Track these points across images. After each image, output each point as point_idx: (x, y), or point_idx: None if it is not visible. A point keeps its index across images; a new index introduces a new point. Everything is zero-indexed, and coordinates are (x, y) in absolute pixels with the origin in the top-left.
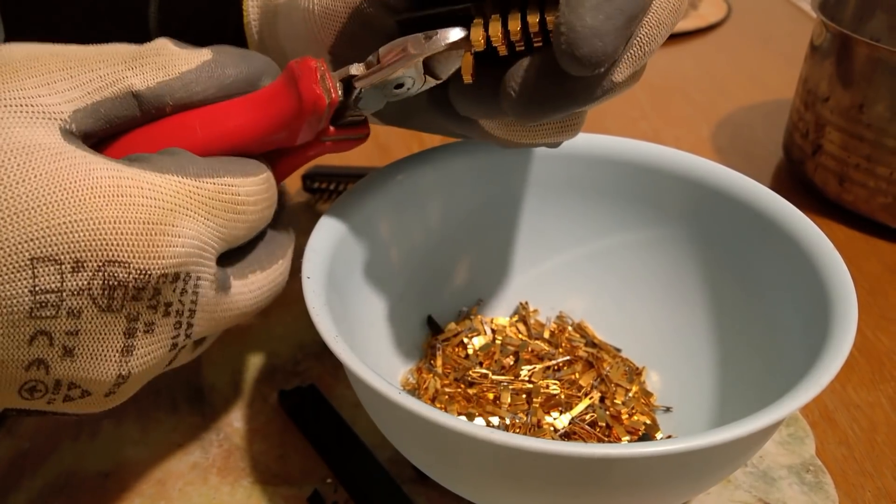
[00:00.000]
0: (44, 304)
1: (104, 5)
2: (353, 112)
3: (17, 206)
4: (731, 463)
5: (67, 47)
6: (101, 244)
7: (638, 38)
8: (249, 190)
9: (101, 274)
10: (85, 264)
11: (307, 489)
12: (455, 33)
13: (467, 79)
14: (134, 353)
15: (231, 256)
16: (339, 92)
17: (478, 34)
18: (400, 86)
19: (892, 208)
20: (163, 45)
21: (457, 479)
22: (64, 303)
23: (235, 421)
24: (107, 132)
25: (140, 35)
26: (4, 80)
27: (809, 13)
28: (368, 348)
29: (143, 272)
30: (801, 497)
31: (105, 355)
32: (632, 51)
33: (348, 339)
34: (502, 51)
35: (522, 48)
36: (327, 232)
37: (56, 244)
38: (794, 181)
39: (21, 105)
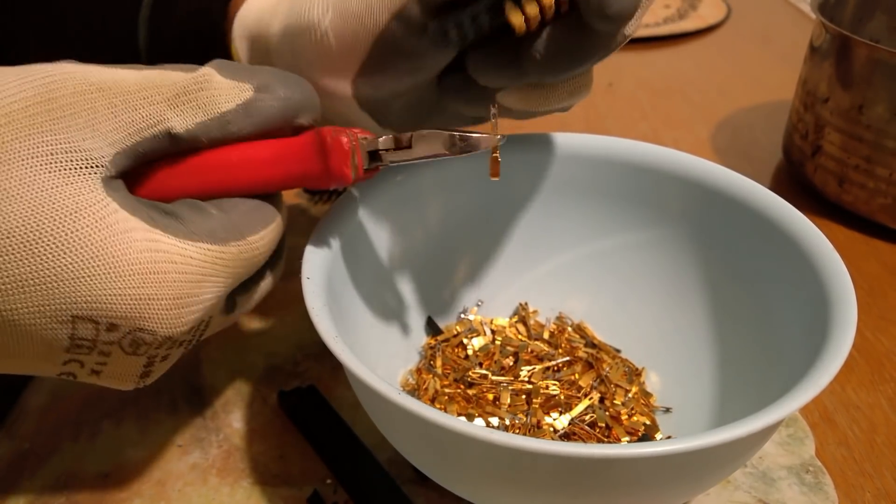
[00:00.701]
0: (80, 346)
1: (96, 39)
2: (370, 167)
3: (64, 273)
4: (730, 463)
5: (113, 75)
6: (134, 316)
7: None
8: (267, 240)
9: (130, 335)
10: (118, 328)
11: (307, 490)
12: (489, 141)
13: (495, 177)
14: (151, 374)
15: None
16: (366, 164)
17: (518, 19)
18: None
19: (891, 209)
20: (209, 77)
21: (456, 479)
22: (97, 348)
23: (235, 422)
24: (140, 163)
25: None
26: (53, 120)
27: (809, 14)
28: (368, 349)
29: (167, 338)
30: (801, 498)
31: (126, 377)
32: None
33: (348, 340)
34: (534, 25)
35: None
36: (327, 233)
37: (95, 310)
38: (794, 182)
39: (67, 151)
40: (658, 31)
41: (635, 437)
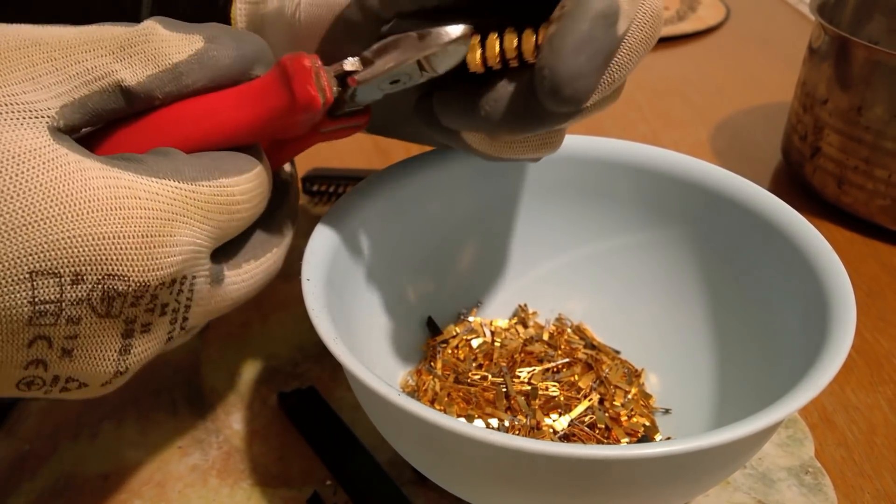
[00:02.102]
0: (43, 313)
1: (97, 8)
2: (351, 104)
3: (14, 221)
4: (730, 464)
5: (50, 33)
6: (100, 259)
7: (611, 66)
8: (243, 188)
9: (100, 286)
10: (84, 277)
11: (307, 491)
12: (449, 33)
13: (480, 69)
14: (131, 351)
15: (225, 248)
16: (334, 89)
17: (474, 57)
18: (396, 81)
19: (890, 210)
20: (152, 29)
21: (456, 480)
22: (63, 312)
23: (235, 423)
24: (93, 124)
25: None
26: None
27: (808, 16)
28: (368, 350)
29: (142, 283)
30: (800, 499)
31: (103, 356)
32: (605, 78)
33: (348, 342)
34: (494, 65)
35: (516, 65)
36: (327, 234)
37: (55, 259)
38: (793, 183)
39: (6, 105)
40: None
41: (635, 439)
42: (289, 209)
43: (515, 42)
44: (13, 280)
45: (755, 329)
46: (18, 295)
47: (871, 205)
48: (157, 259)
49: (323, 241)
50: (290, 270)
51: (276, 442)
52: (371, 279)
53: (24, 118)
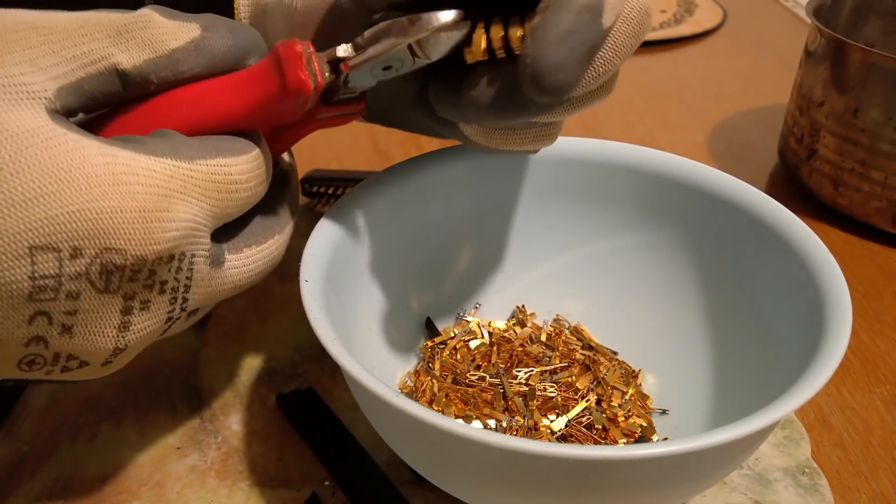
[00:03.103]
0: (42, 289)
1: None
2: (345, 91)
3: (13, 197)
4: (726, 465)
5: (48, 17)
6: (99, 233)
7: (597, 60)
8: (241, 168)
9: (98, 260)
10: (83, 252)
11: (305, 492)
12: (439, 18)
13: (472, 59)
14: (131, 328)
15: (226, 231)
16: (326, 74)
17: (466, 48)
18: (388, 67)
19: (886, 212)
20: (149, 16)
21: (454, 481)
22: (62, 287)
23: (234, 424)
24: (89, 108)
25: None
26: None
27: (804, 19)
28: (366, 351)
29: (140, 257)
30: (797, 499)
31: (103, 332)
32: (590, 71)
33: (346, 343)
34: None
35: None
36: (325, 235)
37: (54, 233)
38: (789, 185)
39: (3, 86)
40: (655, 36)
41: (632, 439)
42: (290, 198)
43: (502, 33)
44: (13, 255)
45: (752, 330)
46: (18, 270)
47: (867, 206)
48: (154, 233)
49: (321, 243)
50: (289, 271)
51: (275, 443)
52: (369, 280)
53: (21, 98)
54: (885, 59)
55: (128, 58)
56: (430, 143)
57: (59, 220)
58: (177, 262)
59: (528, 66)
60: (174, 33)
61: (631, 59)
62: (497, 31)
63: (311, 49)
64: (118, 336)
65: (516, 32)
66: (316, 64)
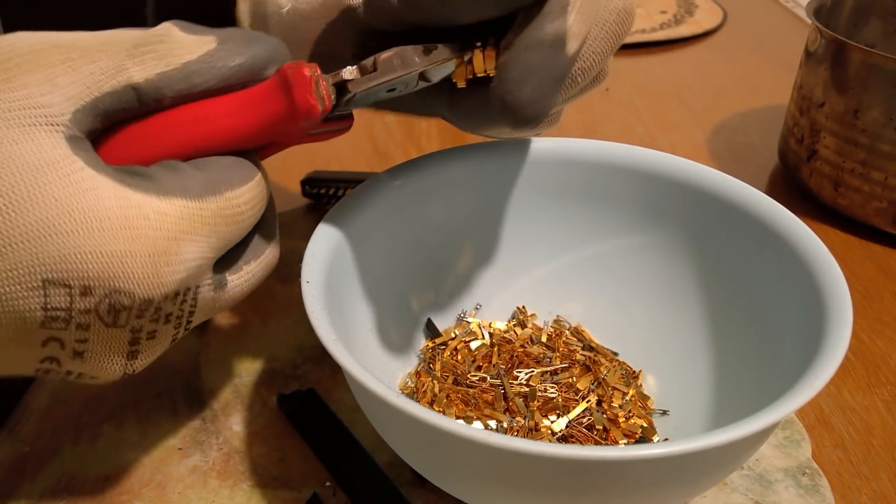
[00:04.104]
0: (55, 319)
1: (102, 8)
2: (342, 109)
3: (30, 232)
4: (727, 466)
5: (71, 36)
6: (108, 275)
7: (572, 73)
8: (247, 198)
9: (107, 300)
10: (92, 290)
11: (306, 492)
12: (454, 50)
13: (462, 84)
14: (138, 356)
15: (226, 254)
16: (333, 97)
17: (461, 74)
18: (392, 89)
19: (886, 213)
20: (168, 31)
21: (455, 481)
22: (73, 319)
23: (235, 424)
24: (105, 125)
25: None
26: (9, 77)
27: (804, 19)
28: (367, 352)
29: (147, 299)
30: (797, 500)
31: (111, 359)
32: (567, 84)
33: (347, 343)
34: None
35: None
36: (326, 236)
37: (66, 270)
38: (790, 186)
39: (24, 108)
40: (655, 37)
41: (632, 440)
42: (271, 198)
43: (482, 64)
44: (28, 286)
45: (752, 331)
46: (32, 300)
47: (868, 207)
48: (162, 277)
49: (322, 244)
50: (290, 273)
51: (276, 443)
52: (370, 281)
53: (40, 123)
54: (886, 59)
55: (141, 71)
56: (430, 145)
57: (71, 258)
58: (182, 296)
59: (498, 105)
60: (189, 47)
61: (631, 59)
62: (479, 62)
63: (319, 72)
64: (126, 363)
65: (492, 62)
66: (324, 87)
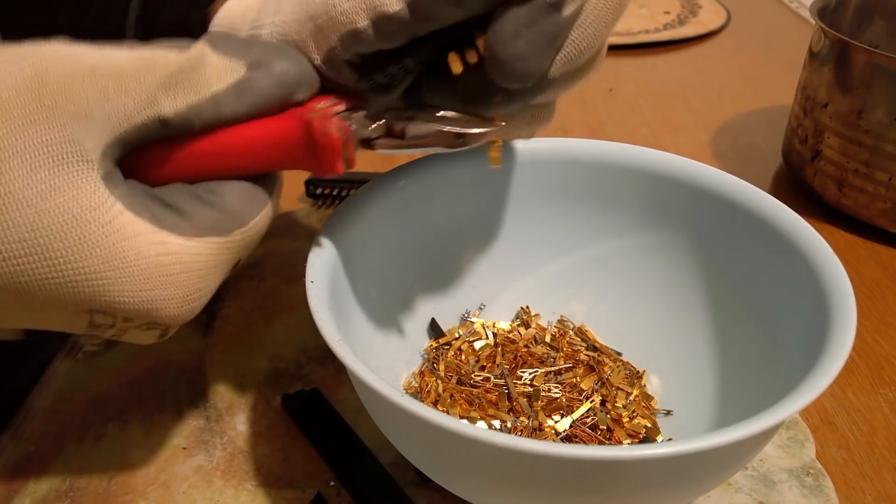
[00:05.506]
0: (98, 326)
1: (86, 23)
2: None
3: (77, 277)
4: (731, 466)
5: (105, 58)
6: (146, 314)
7: (571, 40)
8: (265, 222)
9: (144, 325)
10: (132, 321)
11: (310, 492)
12: (486, 136)
13: (495, 165)
14: (168, 334)
15: None
16: (356, 151)
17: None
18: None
19: (890, 213)
20: (203, 55)
21: (459, 481)
22: (115, 327)
23: (239, 424)
24: (130, 150)
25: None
26: (45, 109)
27: (808, 20)
28: (371, 352)
29: (177, 324)
30: (802, 500)
31: (146, 340)
32: (565, 51)
33: (351, 343)
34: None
35: None
36: (331, 237)
37: (109, 306)
38: (794, 186)
39: (61, 143)
40: (658, 37)
41: (636, 440)
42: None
43: (474, 57)
44: (75, 313)
45: (756, 331)
46: (79, 320)
47: (872, 208)
48: (193, 309)
49: (327, 244)
50: (294, 273)
51: (280, 443)
52: (375, 281)
53: (75, 161)
54: (890, 60)
55: (172, 103)
56: None
57: (115, 300)
58: None
59: (489, 59)
60: (219, 75)
61: (634, 60)
62: (471, 56)
63: (347, 134)
64: (158, 340)
65: (481, 42)
66: (350, 150)
